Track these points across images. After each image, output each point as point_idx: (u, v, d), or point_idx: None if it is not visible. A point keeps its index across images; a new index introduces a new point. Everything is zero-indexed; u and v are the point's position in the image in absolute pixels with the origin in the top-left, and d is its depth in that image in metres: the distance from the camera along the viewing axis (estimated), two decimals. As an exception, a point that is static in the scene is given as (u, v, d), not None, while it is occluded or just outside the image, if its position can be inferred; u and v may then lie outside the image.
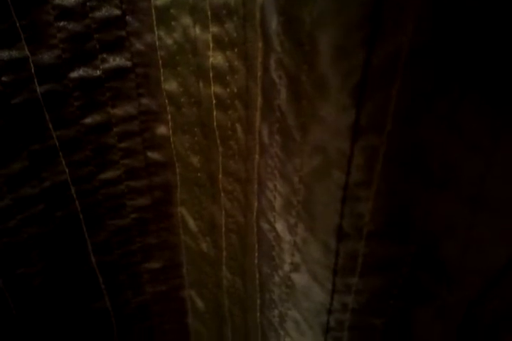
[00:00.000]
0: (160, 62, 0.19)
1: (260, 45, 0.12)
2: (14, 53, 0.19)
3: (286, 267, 0.15)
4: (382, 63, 0.10)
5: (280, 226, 0.15)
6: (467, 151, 0.10)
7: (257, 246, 0.16)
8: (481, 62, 0.09)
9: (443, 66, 0.10)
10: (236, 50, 0.15)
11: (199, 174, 0.21)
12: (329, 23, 0.10)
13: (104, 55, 0.20)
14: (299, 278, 0.15)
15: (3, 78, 0.19)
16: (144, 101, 0.21)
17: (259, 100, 0.13)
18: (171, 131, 0.21)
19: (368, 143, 0.11)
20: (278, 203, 0.14)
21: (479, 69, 0.09)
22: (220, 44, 0.15)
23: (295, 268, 0.15)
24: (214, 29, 0.15)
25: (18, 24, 0.18)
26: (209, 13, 0.15)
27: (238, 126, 0.16)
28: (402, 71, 0.10)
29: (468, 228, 0.11)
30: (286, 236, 0.14)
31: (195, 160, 0.20)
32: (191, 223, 0.23)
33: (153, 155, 0.23)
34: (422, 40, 0.09)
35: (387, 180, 0.11)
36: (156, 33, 0.19)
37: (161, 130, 0.22)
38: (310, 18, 0.10)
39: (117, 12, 0.20)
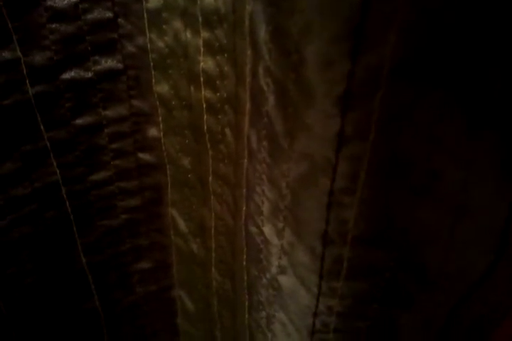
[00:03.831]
0: (151, 64, 0.19)
1: (249, 52, 0.12)
2: (6, 54, 0.19)
3: (274, 270, 0.15)
4: (366, 74, 0.10)
5: (268, 230, 0.15)
6: (448, 160, 0.11)
7: (245, 248, 0.17)
8: (460, 74, 0.10)
9: (424, 78, 0.10)
10: (226, 55, 0.15)
11: (189, 176, 0.21)
12: (315, 34, 0.10)
13: (96, 57, 0.20)
14: (286, 281, 0.15)
15: (-5, 79, 0.19)
16: (136, 103, 0.22)
17: (248, 106, 0.13)
18: (162, 133, 0.21)
19: (352, 151, 0.11)
20: (266, 207, 0.14)
21: (459, 81, 0.10)
22: (210, 49, 0.16)
23: (282, 271, 0.15)
24: (205, 34, 0.16)
25: (10, 25, 0.18)
26: (200, 18, 0.15)
27: (228, 131, 0.17)
28: (385, 82, 0.10)
29: (449, 234, 0.12)
30: (274, 240, 0.15)
31: (185, 162, 0.21)
32: (182, 224, 0.23)
33: (144, 156, 0.23)
34: (403, 53, 0.10)
35: (371, 187, 0.11)
36: (148, 35, 0.19)
37: (152, 132, 0.22)
38: (297, 29, 0.11)
39: (109, 14, 0.20)
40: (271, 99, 0.12)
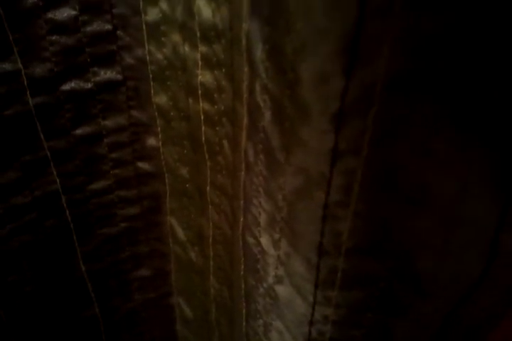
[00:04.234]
0: (150, 76, 0.20)
1: (246, 69, 0.13)
2: (7, 66, 0.19)
3: (271, 279, 0.16)
4: (360, 91, 0.10)
5: (265, 240, 0.15)
6: (440, 174, 0.11)
7: (243, 258, 0.17)
8: (452, 90, 0.10)
9: (416, 94, 0.10)
10: (224, 70, 0.15)
11: (188, 185, 0.21)
12: (310, 53, 0.11)
13: (96, 69, 0.21)
14: (283, 290, 0.15)
15: (-4, 90, 0.19)
16: (134, 113, 0.22)
17: (245, 121, 0.14)
18: (160, 143, 0.21)
19: (346, 165, 0.11)
20: (263, 219, 0.15)
21: (450, 97, 0.10)
22: (208, 63, 0.16)
23: (279, 280, 0.15)
24: (202, 48, 0.16)
25: (11, 38, 0.19)
26: (198, 33, 0.16)
27: (225, 143, 0.17)
28: (378, 99, 0.10)
29: (442, 244, 0.12)
30: (271, 251, 0.15)
31: (184, 171, 0.21)
32: (180, 232, 0.23)
33: (143, 165, 0.23)
34: (396, 70, 0.10)
35: (365, 200, 0.12)
36: (147, 47, 0.19)
37: (151, 141, 0.23)
38: (292, 48, 0.11)
39: (108, 27, 0.20)
40: (267, 115, 0.13)
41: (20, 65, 0.19)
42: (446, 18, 0.09)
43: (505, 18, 0.09)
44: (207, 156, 0.18)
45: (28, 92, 0.20)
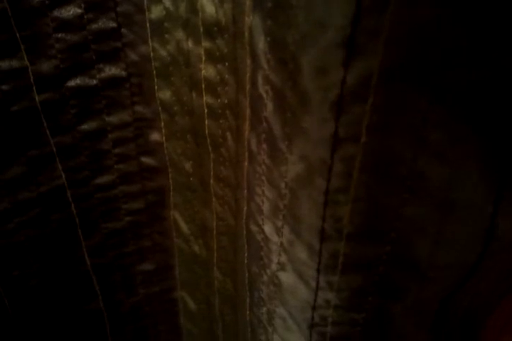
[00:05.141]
0: (154, 72, 0.20)
1: (249, 61, 0.13)
2: (14, 63, 0.20)
3: (274, 266, 0.16)
4: (357, 81, 0.11)
5: (268, 228, 0.16)
6: (434, 161, 0.11)
7: (246, 247, 0.17)
8: (444, 80, 0.10)
9: (410, 85, 0.11)
10: (227, 64, 0.16)
11: (191, 179, 0.22)
12: (310, 45, 0.11)
13: (101, 65, 0.21)
14: (286, 277, 0.16)
15: (3, 86, 0.20)
16: (138, 109, 0.22)
17: (248, 112, 0.14)
18: (164, 138, 0.22)
19: (346, 152, 0.12)
20: (266, 207, 0.15)
21: (443, 86, 0.11)
22: (211, 58, 0.16)
23: (282, 267, 0.16)
24: (206, 44, 0.16)
25: (18, 35, 0.19)
26: (201, 29, 0.16)
27: (228, 135, 0.17)
28: (375, 89, 0.11)
29: (438, 229, 0.13)
30: (274, 238, 0.15)
31: (187, 165, 0.21)
32: (183, 226, 0.24)
33: (147, 160, 0.24)
34: (391, 61, 0.10)
35: (364, 185, 0.12)
36: (151, 44, 0.20)
37: (155, 136, 0.23)
38: (293, 40, 0.11)
39: (113, 24, 0.21)
40: (269, 106, 0.13)
41: (26, 62, 0.20)
42: (439, 12, 0.10)
43: (498, 10, 0.09)
44: (210, 149, 0.19)
45: (34, 88, 0.20)
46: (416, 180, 0.12)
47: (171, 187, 0.23)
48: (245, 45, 0.13)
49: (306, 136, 0.12)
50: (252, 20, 0.12)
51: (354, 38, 0.10)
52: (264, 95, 0.13)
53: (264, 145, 0.14)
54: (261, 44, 0.12)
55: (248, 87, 0.14)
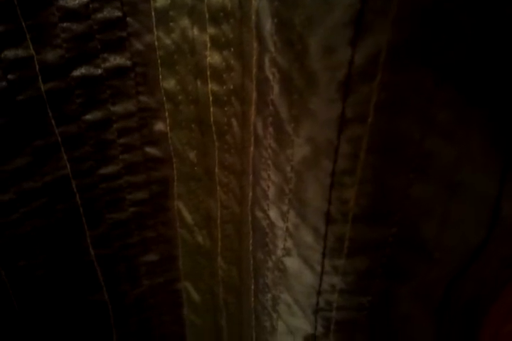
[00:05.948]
0: (159, 61, 0.20)
1: (255, 45, 0.13)
2: (20, 52, 0.20)
3: (279, 252, 0.16)
4: (365, 61, 0.11)
5: (273, 213, 0.16)
6: (441, 141, 0.12)
7: (251, 233, 0.17)
8: (451, 60, 0.11)
9: (418, 63, 0.11)
10: (232, 49, 0.16)
11: (196, 168, 0.22)
12: (317, 25, 0.11)
13: (105, 55, 0.21)
14: (291, 262, 0.16)
15: (9, 76, 0.20)
16: (143, 98, 0.22)
17: (254, 95, 0.14)
18: (168, 128, 0.22)
19: (353, 133, 0.12)
20: (271, 192, 0.15)
21: (449, 66, 0.11)
22: (217, 44, 0.17)
23: (287, 252, 0.16)
24: (211, 30, 0.16)
25: (24, 24, 0.19)
26: (207, 15, 0.16)
27: (234, 121, 0.17)
28: (382, 68, 0.11)
29: (443, 210, 0.13)
30: (279, 223, 0.16)
31: (191, 155, 0.21)
32: (187, 216, 0.24)
33: (151, 150, 0.24)
34: (399, 40, 0.10)
35: (370, 167, 0.12)
36: (156, 33, 0.20)
37: (159, 126, 0.23)
38: (300, 21, 0.11)
39: (118, 14, 0.21)
40: (276, 88, 0.13)
41: (32, 51, 0.20)
42: None
43: None
44: (215, 137, 0.19)
45: (40, 78, 0.20)
46: (423, 159, 0.12)
47: (175, 177, 0.23)
48: (251, 28, 0.13)
49: (313, 118, 0.12)
50: (259, 3, 0.12)
51: (362, 16, 0.10)
52: (271, 78, 0.13)
53: (271, 129, 0.14)
54: (268, 26, 0.12)
55: (254, 70, 0.14)
